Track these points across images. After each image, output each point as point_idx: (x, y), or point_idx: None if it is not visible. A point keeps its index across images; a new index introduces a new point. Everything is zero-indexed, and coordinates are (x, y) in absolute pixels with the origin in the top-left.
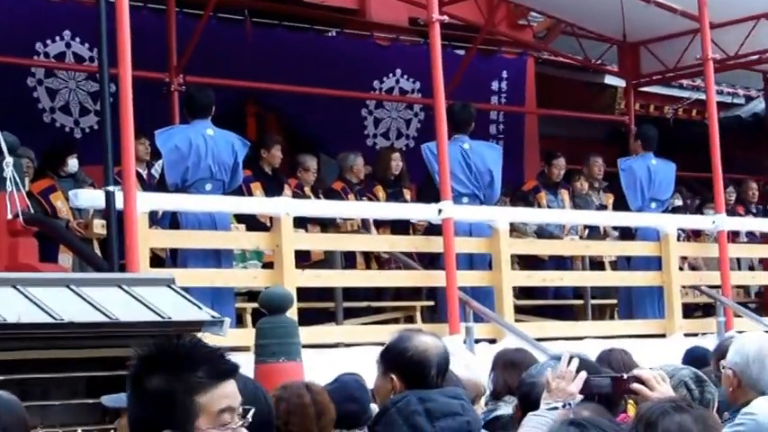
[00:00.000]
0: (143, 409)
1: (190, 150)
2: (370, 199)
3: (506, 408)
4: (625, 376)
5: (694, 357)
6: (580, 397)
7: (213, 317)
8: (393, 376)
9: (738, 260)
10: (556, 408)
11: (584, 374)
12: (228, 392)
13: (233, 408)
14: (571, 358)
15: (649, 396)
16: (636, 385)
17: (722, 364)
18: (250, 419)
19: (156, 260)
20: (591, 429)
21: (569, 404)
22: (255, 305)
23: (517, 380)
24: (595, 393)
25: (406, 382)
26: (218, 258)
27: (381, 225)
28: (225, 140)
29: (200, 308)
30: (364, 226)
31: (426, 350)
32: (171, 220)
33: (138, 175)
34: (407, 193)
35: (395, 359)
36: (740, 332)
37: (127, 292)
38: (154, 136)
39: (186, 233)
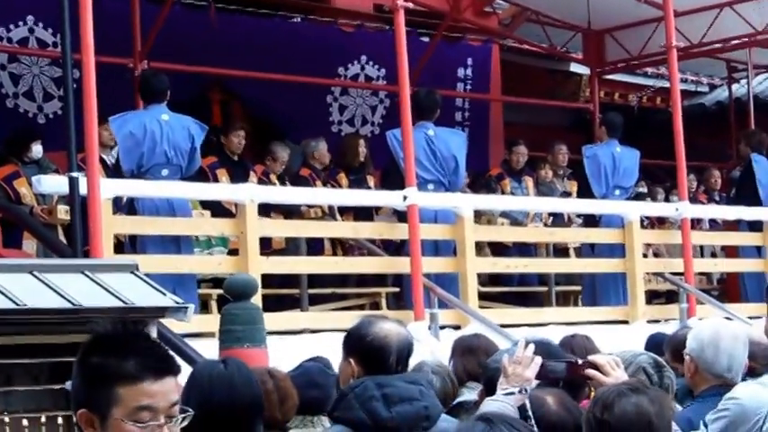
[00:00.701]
0: (75, 383)
1: (144, 136)
2: (333, 186)
3: (469, 394)
4: (580, 361)
5: (657, 343)
6: (536, 382)
7: (177, 303)
8: (352, 361)
9: (701, 247)
10: (512, 393)
11: (539, 359)
12: (155, 391)
13: (154, 408)
14: (528, 344)
15: (604, 381)
16: (590, 370)
17: (684, 354)
18: (181, 423)
19: (119, 246)
20: (499, 425)
21: (525, 389)
22: (221, 291)
23: (475, 365)
24: (551, 378)
25: (365, 368)
26: (177, 245)
27: (345, 212)
28: (180, 125)
29: (163, 294)
30: (330, 213)
31: (386, 336)
32: (128, 207)
33: (103, 161)
34: (371, 180)
35: (355, 344)
36: (700, 319)
37: (90, 278)
38: (111, 121)
39: (150, 219)
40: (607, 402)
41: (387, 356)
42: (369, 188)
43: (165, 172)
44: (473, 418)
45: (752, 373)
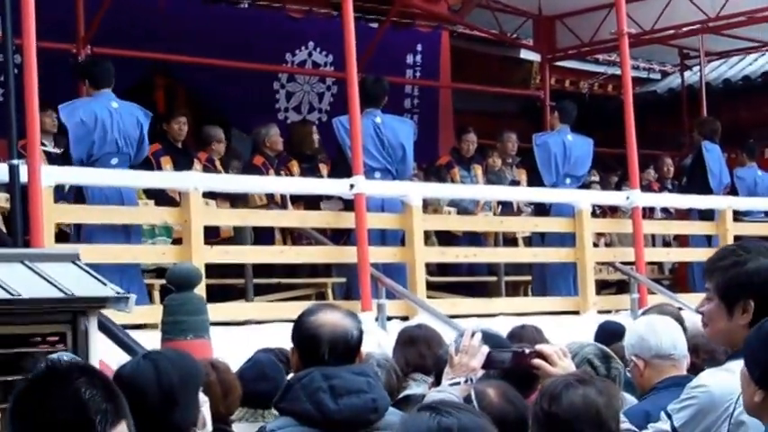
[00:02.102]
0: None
1: (96, 124)
2: (286, 174)
3: (417, 387)
4: (527, 351)
5: (608, 332)
6: (482, 372)
7: (118, 293)
8: (295, 350)
9: (653, 236)
10: (458, 383)
11: (486, 349)
12: None
13: None
14: (473, 333)
15: (550, 371)
16: (536, 360)
17: (628, 359)
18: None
19: (63, 236)
20: (444, 411)
21: (471, 379)
22: (164, 282)
23: (416, 356)
24: (497, 368)
25: (301, 357)
26: (127, 234)
27: (296, 201)
28: (130, 113)
29: (104, 284)
30: (280, 201)
31: (319, 326)
32: (76, 196)
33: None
34: (323, 168)
35: (293, 333)
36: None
37: (30, 267)
38: (60, 109)
39: (92, 208)
40: (554, 394)
41: (317, 347)
42: (321, 176)
43: (114, 161)
44: (417, 408)
45: (693, 368)
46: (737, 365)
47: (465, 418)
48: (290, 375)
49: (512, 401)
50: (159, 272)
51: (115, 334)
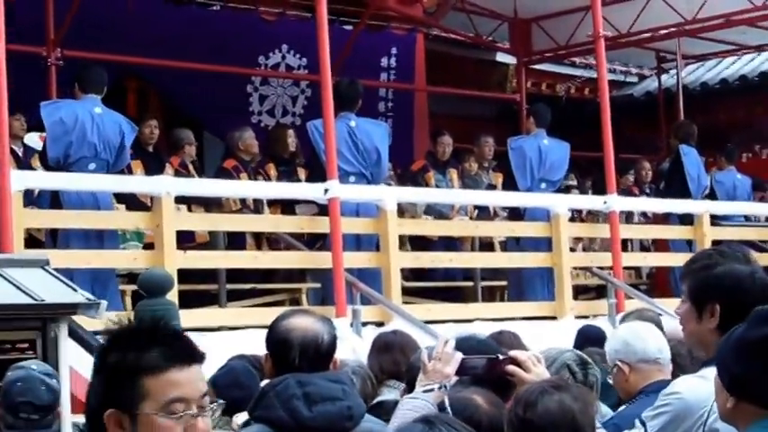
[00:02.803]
0: (95, 385)
1: (75, 125)
2: (262, 177)
3: (390, 393)
4: (501, 357)
5: (588, 336)
6: (455, 378)
7: (88, 299)
8: (269, 356)
9: (631, 241)
10: (431, 389)
11: (459, 356)
12: (183, 380)
13: (186, 398)
14: (447, 341)
15: (524, 377)
16: (511, 366)
17: (611, 364)
18: (214, 413)
19: (36, 242)
20: (439, 426)
21: (445, 386)
22: (136, 287)
23: (391, 363)
24: (470, 374)
25: (274, 363)
26: (100, 239)
27: (272, 204)
28: (112, 120)
29: (74, 290)
30: (253, 205)
31: (291, 331)
32: (51, 200)
33: (13, 153)
34: (302, 172)
35: (267, 338)
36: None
37: None
38: (30, 112)
39: (63, 213)
40: (530, 400)
41: (288, 351)
42: (299, 180)
43: (92, 166)
44: (415, 419)
45: (680, 369)
46: (712, 372)
47: None
48: (265, 382)
49: (499, 407)
50: (131, 277)
51: (86, 341)
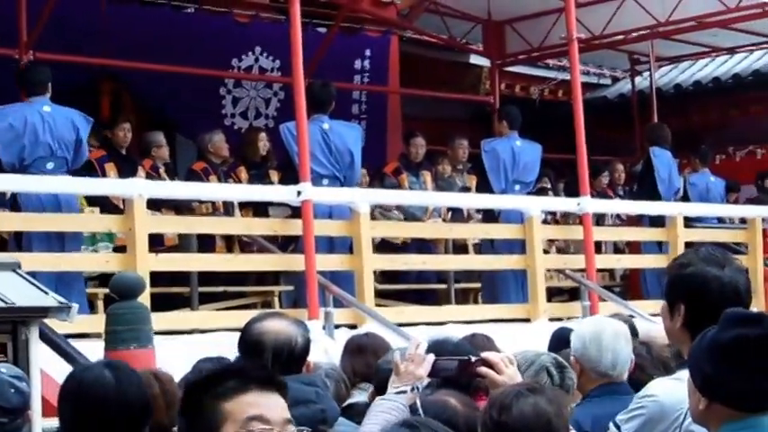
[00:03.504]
0: (182, 428)
1: (25, 128)
2: (233, 180)
3: (360, 395)
4: (473, 359)
5: (562, 339)
6: (428, 380)
7: (60, 302)
8: (241, 359)
9: (605, 243)
10: (404, 391)
11: (432, 357)
12: (262, 401)
13: (265, 418)
14: (419, 344)
15: (496, 379)
16: (483, 368)
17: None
18: None
19: (1, 243)
20: (423, 430)
21: (417, 387)
22: (108, 290)
23: (363, 365)
24: (442, 376)
25: None
26: (61, 241)
27: (245, 207)
28: (64, 116)
29: (46, 293)
30: (225, 208)
31: (264, 333)
32: (12, 202)
33: None
34: (274, 175)
35: (239, 341)
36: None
37: None
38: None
39: (33, 216)
40: (505, 404)
41: (260, 355)
42: (271, 183)
43: (50, 165)
44: (398, 423)
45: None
46: (686, 374)
47: None
48: None
49: (473, 408)
50: (102, 280)
51: (57, 344)
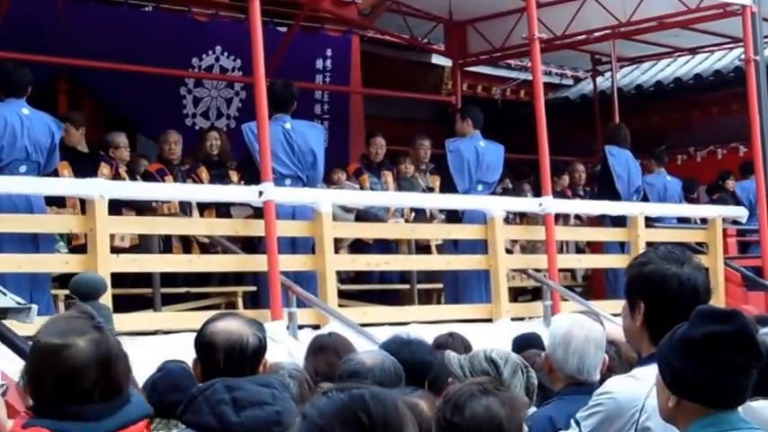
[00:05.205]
0: None
1: (5, 129)
2: (194, 180)
3: None
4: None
5: (522, 344)
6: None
7: (19, 303)
8: (198, 360)
9: (566, 243)
10: None
11: None
12: None
13: None
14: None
15: None
16: None
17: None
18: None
19: None
20: (351, 387)
21: None
22: (68, 291)
23: (324, 365)
24: None
25: (202, 367)
26: (35, 243)
27: (207, 208)
28: (41, 121)
29: (4, 294)
30: (184, 209)
31: (216, 334)
32: None
33: None
34: (234, 175)
35: (194, 342)
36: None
37: None
38: None
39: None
40: (458, 404)
41: (213, 354)
42: (230, 183)
43: (23, 168)
44: (321, 393)
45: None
46: (643, 372)
47: (372, 387)
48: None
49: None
50: (62, 281)
51: (18, 346)
